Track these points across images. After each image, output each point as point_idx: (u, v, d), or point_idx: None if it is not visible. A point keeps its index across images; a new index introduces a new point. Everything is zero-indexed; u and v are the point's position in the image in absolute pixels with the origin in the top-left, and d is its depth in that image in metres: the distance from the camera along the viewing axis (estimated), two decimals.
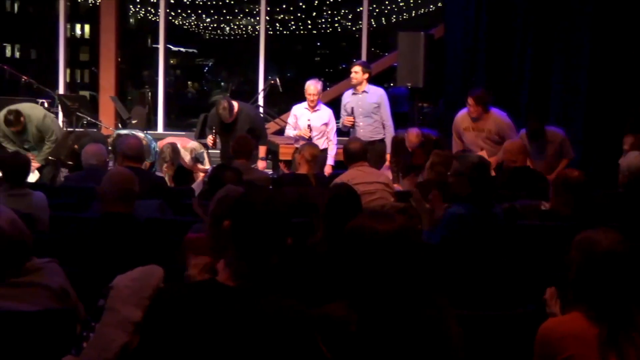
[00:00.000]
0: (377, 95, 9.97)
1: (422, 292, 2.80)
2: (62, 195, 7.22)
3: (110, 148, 9.50)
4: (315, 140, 9.44)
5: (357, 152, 7.08)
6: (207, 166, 9.72)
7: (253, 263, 2.70)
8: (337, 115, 10.64)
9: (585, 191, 5.90)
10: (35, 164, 9.48)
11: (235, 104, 9.63)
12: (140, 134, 9.98)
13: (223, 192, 4.03)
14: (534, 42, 11.87)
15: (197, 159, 9.72)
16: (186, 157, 9.62)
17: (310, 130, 9.68)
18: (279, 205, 2.76)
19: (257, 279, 2.69)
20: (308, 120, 9.79)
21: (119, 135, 10.15)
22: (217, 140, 9.69)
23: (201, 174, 9.55)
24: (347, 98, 10.12)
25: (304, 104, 9.94)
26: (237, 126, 9.47)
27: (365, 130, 9.89)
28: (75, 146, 9.33)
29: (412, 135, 8.92)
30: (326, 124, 9.87)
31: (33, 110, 9.70)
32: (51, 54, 17.80)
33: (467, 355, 2.92)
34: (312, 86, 9.82)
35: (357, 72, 9.91)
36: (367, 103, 9.96)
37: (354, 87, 10.01)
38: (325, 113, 9.92)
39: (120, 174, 4.89)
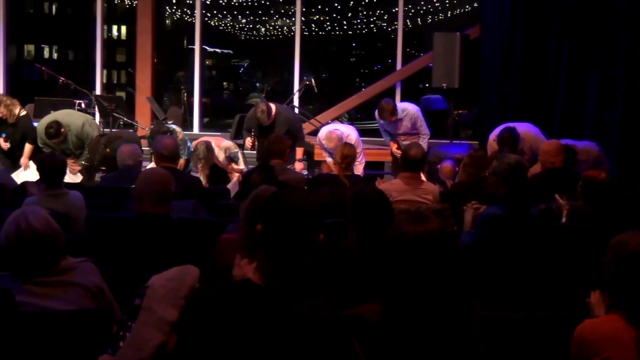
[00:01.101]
0: (410, 117, 10.21)
1: (455, 295, 2.79)
2: (98, 195, 7.27)
3: (149, 137, 9.58)
4: None
5: (413, 160, 6.80)
6: (242, 166, 9.72)
7: (285, 264, 2.69)
8: (372, 116, 10.63)
9: (612, 192, 5.91)
10: (76, 167, 9.54)
11: (272, 106, 9.64)
12: (178, 129, 10.01)
13: (255, 193, 4.05)
14: (571, 43, 11.77)
15: (231, 158, 9.72)
16: (220, 156, 9.63)
17: None
18: (309, 205, 2.75)
19: (290, 279, 2.68)
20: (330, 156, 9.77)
21: (158, 123, 10.19)
22: (256, 143, 9.69)
23: (236, 175, 9.55)
24: (382, 121, 10.21)
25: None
26: (274, 129, 9.47)
27: (408, 141, 10.00)
28: (108, 150, 9.39)
29: (446, 169, 8.86)
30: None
31: (71, 119, 9.75)
32: (88, 55, 17.92)
33: (502, 357, 2.90)
34: (327, 142, 9.77)
35: (392, 116, 9.99)
36: (404, 126, 10.21)
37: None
38: (350, 140, 9.85)
39: (157, 174, 4.88)
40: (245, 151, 10.14)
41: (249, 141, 9.70)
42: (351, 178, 7.61)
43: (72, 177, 9.43)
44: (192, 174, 9.26)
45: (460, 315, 2.77)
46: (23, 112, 10.06)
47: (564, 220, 6.12)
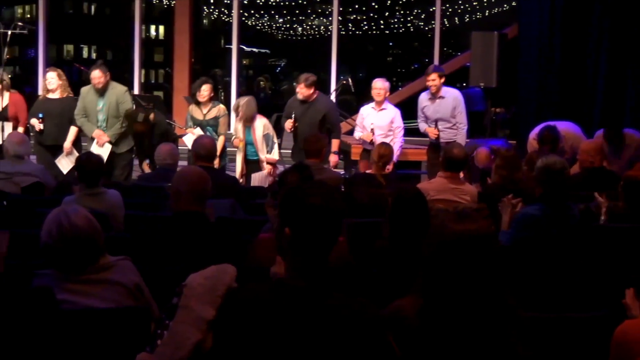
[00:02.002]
0: (454, 99, 9.90)
1: (496, 295, 2.78)
2: (136, 194, 7.31)
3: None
4: (381, 140, 9.34)
5: (455, 160, 6.77)
6: (276, 157, 9.67)
7: (309, 262, 2.68)
8: (411, 115, 10.57)
9: None
10: (105, 138, 9.60)
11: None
12: (221, 106, 10.11)
13: (284, 194, 4.05)
14: (610, 41, 11.68)
15: (267, 139, 9.62)
16: (258, 129, 9.53)
17: (373, 133, 9.63)
18: (331, 202, 2.71)
19: (320, 278, 2.67)
20: (371, 124, 9.74)
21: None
22: (296, 125, 9.64)
23: (268, 166, 9.50)
24: (425, 102, 10.06)
25: (371, 104, 9.91)
26: (313, 108, 9.53)
27: (444, 133, 9.84)
28: (152, 115, 9.59)
29: (482, 155, 8.79)
30: (392, 122, 9.79)
31: (118, 85, 9.96)
32: (126, 55, 18.08)
33: (541, 358, 2.88)
34: (380, 82, 9.81)
35: (434, 80, 9.84)
36: (445, 108, 9.91)
37: (432, 93, 9.94)
38: (390, 112, 9.84)
39: (194, 172, 4.91)
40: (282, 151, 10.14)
41: (289, 122, 9.67)
42: (388, 177, 7.60)
43: (99, 149, 9.50)
44: (228, 172, 9.29)
45: (499, 315, 2.76)
46: (71, 95, 10.15)
47: (602, 218, 6.07)
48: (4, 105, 10.11)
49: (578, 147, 8.57)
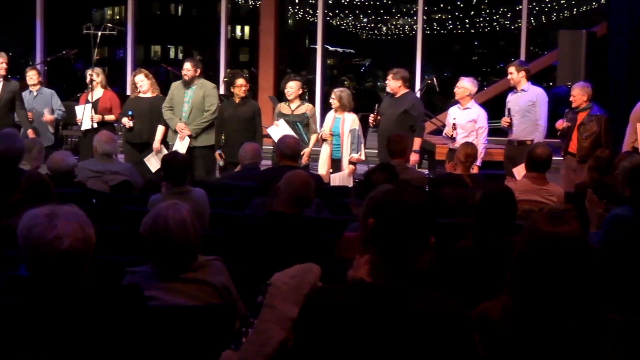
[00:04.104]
0: (534, 94, 9.65)
1: (587, 297, 2.73)
2: (220, 193, 7.37)
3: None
4: (461, 139, 9.24)
5: (538, 160, 6.70)
6: (362, 157, 9.70)
7: (395, 261, 2.66)
8: (496, 115, 10.46)
9: None
10: (186, 131, 9.72)
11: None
12: (310, 105, 10.23)
13: (374, 191, 4.05)
14: None
15: (353, 136, 9.65)
16: (347, 123, 9.63)
17: (454, 128, 9.53)
18: (421, 204, 2.70)
19: (403, 276, 2.65)
20: (454, 119, 9.65)
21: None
22: (379, 118, 9.67)
23: (350, 166, 9.52)
24: (509, 97, 9.91)
25: (459, 103, 9.83)
26: (397, 103, 9.58)
27: (518, 130, 9.59)
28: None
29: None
30: (474, 121, 9.63)
31: (207, 81, 10.23)
32: (212, 55, 18.28)
33: None
34: (461, 81, 9.76)
35: (511, 73, 9.71)
36: (523, 101, 9.64)
37: (514, 87, 9.81)
38: (474, 112, 9.67)
39: (298, 177, 4.97)
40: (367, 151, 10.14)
41: (372, 116, 9.73)
42: (474, 178, 7.52)
43: (179, 143, 9.64)
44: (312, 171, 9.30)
45: (590, 318, 2.71)
46: (160, 94, 10.35)
47: None
48: (95, 99, 10.51)
49: None
